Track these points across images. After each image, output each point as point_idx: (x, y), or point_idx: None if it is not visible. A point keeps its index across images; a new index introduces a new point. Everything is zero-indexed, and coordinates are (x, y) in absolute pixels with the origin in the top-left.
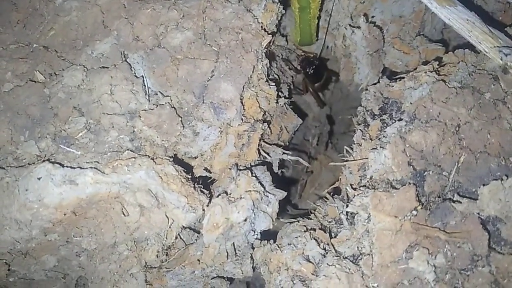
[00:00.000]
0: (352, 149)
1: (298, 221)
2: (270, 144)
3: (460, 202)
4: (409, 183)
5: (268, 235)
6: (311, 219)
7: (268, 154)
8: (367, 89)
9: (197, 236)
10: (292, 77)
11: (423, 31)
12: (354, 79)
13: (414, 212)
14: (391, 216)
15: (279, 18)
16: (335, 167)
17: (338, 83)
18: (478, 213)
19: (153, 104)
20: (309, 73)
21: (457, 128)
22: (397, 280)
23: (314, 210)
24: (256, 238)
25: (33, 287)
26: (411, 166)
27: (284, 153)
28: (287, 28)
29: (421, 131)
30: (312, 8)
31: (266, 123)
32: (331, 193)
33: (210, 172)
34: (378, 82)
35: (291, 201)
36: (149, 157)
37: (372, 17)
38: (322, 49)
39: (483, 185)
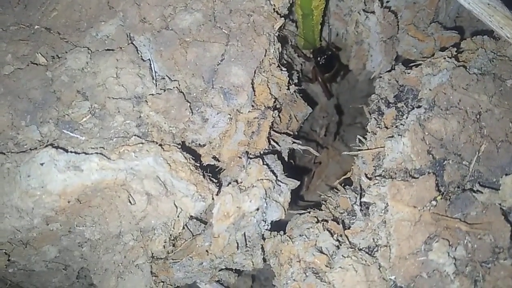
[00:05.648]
0: (365, 138)
1: (309, 212)
2: (279, 133)
3: (481, 192)
4: (429, 173)
5: (276, 226)
6: (321, 210)
7: (277, 143)
8: (380, 77)
9: (204, 227)
10: (301, 64)
11: (437, 18)
12: (366, 67)
13: (434, 203)
14: (410, 206)
15: (291, 1)
16: (342, 159)
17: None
18: (500, 204)
19: (161, 89)
20: (320, 62)
21: (478, 116)
22: (416, 272)
23: (325, 201)
24: (266, 229)
25: (33, 279)
26: (431, 155)
27: (294, 142)
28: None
29: (441, 119)
30: (315, 15)
31: (276, 111)
32: (342, 184)
33: (219, 161)
34: (393, 69)
35: (298, 192)
36: (157, 143)
37: (387, 2)
38: (330, 35)
39: (505, 174)
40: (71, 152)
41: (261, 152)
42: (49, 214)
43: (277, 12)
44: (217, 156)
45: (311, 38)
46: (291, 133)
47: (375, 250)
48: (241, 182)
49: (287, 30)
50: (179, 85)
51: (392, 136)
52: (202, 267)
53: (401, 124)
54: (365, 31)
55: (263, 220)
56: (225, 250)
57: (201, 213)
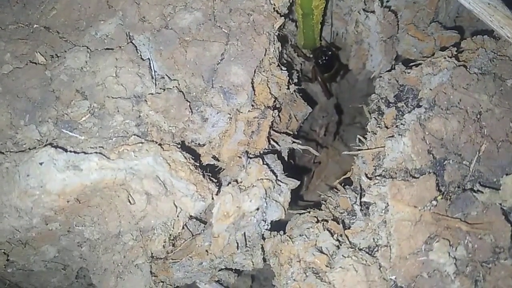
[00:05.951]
0: (365, 138)
1: (309, 212)
2: (279, 133)
3: (482, 192)
4: (429, 172)
5: (276, 226)
6: (321, 210)
7: (277, 142)
8: (381, 77)
9: (204, 227)
10: (301, 64)
11: (437, 18)
12: (365, 67)
13: (434, 202)
14: (410, 206)
15: (291, 0)
16: (342, 158)
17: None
18: (500, 204)
19: (160, 88)
20: (320, 62)
21: (478, 116)
22: (416, 272)
23: (325, 201)
24: (266, 229)
25: (32, 279)
26: (431, 155)
27: (293, 141)
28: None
29: (441, 118)
30: (315, 15)
31: (276, 110)
32: (342, 184)
33: (218, 160)
34: (393, 69)
35: (298, 192)
36: (156, 143)
37: (387, 1)
38: (331, 35)
39: (506, 174)
40: (70, 151)
41: (261, 152)
42: (48, 214)
43: (277, 11)
44: (216, 156)
45: (311, 38)
46: (291, 132)
47: (375, 250)
48: (241, 182)
49: (287, 29)
50: (179, 84)
51: (393, 136)
52: (202, 267)
53: (401, 123)
54: (365, 30)
55: (263, 220)
56: (225, 250)
57: (200, 213)
